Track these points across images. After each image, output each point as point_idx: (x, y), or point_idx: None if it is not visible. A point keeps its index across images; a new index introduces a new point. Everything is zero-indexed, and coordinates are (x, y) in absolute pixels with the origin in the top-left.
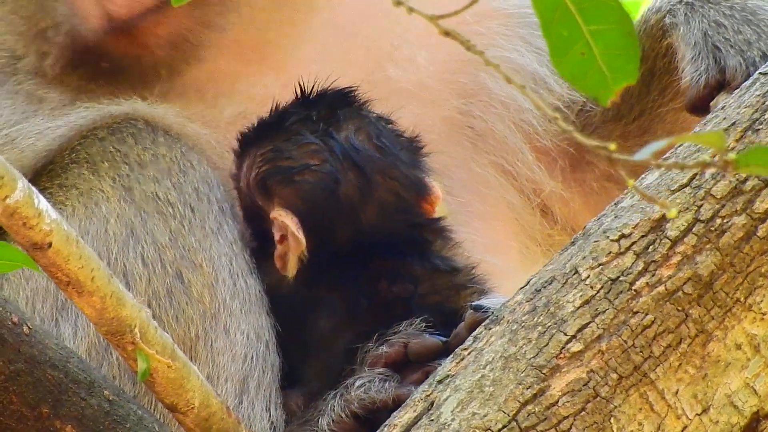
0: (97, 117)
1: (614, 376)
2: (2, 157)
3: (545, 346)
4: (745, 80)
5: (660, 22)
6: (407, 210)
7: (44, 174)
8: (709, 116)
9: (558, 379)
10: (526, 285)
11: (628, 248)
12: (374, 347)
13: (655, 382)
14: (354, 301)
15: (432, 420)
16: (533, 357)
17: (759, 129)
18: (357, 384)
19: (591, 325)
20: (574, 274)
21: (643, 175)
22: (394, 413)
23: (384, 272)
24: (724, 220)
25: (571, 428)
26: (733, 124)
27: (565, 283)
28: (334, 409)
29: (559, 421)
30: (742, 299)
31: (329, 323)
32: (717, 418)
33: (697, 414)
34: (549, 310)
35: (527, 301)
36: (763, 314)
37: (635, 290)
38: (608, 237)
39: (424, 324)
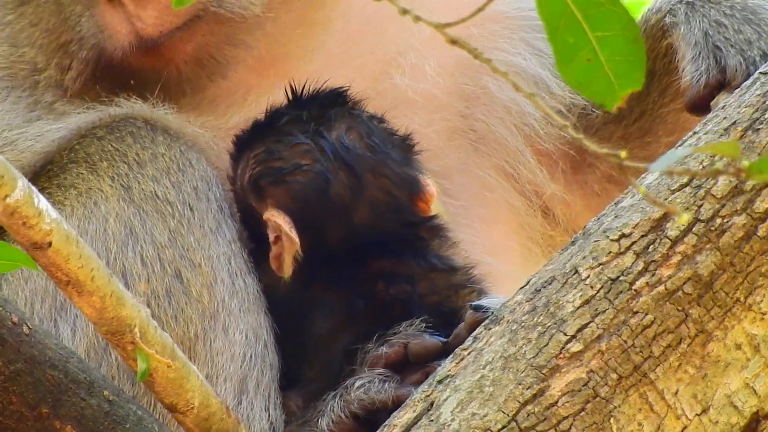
0: (96, 119)
1: (614, 376)
2: (2, 157)
3: (545, 346)
4: (746, 80)
5: (660, 22)
6: (400, 208)
7: (43, 174)
8: (710, 116)
9: (558, 379)
10: (526, 285)
11: (628, 248)
12: (374, 348)
13: (654, 382)
14: (352, 302)
15: (432, 420)
16: (533, 357)
17: (759, 128)
18: (357, 384)
19: (591, 325)
20: (574, 273)
21: (643, 175)
22: (394, 413)
23: (381, 272)
24: (725, 220)
25: (570, 428)
26: (734, 123)
27: (565, 283)
28: (333, 410)
29: (558, 421)
30: (742, 299)
31: (327, 324)
32: (717, 418)
33: (696, 414)
34: (549, 310)
35: (527, 301)
36: (763, 314)
37: (635, 290)
38: (608, 237)
39: (423, 324)
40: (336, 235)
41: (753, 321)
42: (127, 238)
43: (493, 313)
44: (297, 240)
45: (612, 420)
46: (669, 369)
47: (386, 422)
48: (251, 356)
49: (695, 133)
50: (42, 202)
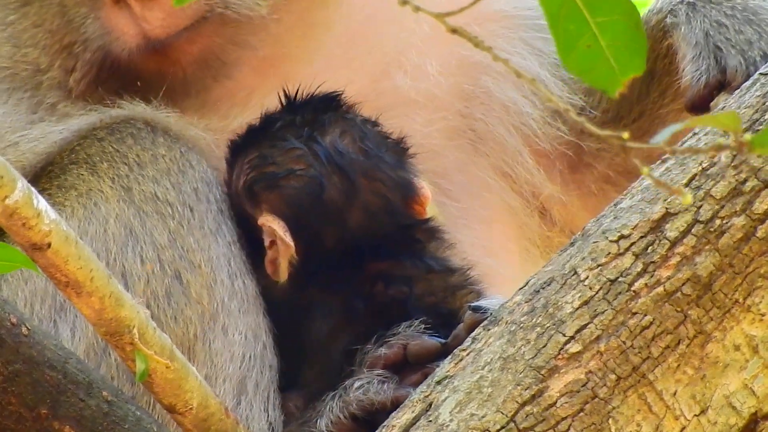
0: (98, 120)
1: (613, 377)
2: (2, 158)
3: (544, 347)
4: (746, 80)
5: (661, 22)
6: (394, 211)
7: (44, 175)
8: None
9: (556, 380)
10: (525, 286)
11: (627, 249)
12: (373, 349)
13: (653, 383)
14: (350, 304)
15: (430, 421)
16: (532, 358)
17: (759, 129)
18: (356, 385)
19: (590, 326)
20: (573, 274)
21: (642, 176)
22: (393, 414)
23: (379, 274)
24: (724, 221)
25: (569, 429)
26: None
27: (563, 284)
28: (332, 411)
29: (557, 422)
30: (741, 300)
31: (326, 326)
32: (715, 419)
33: (695, 415)
34: (548, 311)
35: (526, 302)
36: (762, 315)
37: (634, 291)
38: (607, 238)
39: (422, 325)
40: (331, 239)
41: (752, 322)
42: (127, 239)
43: (491, 314)
44: (292, 244)
45: (611, 421)
46: (668, 370)
47: (385, 423)
48: (250, 357)
49: (695, 133)
50: (41, 203)
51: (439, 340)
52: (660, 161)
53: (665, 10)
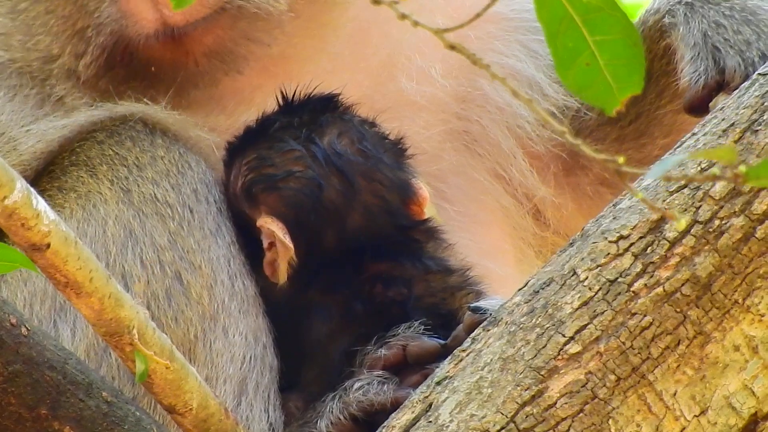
0: (100, 118)
1: (612, 377)
2: (0, 159)
3: (543, 347)
4: (744, 81)
5: (658, 23)
6: (392, 212)
7: (45, 175)
8: (708, 117)
9: (556, 380)
10: (525, 286)
11: (626, 249)
12: (373, 350)
13: (653, 383)
14: (349, 305)
15: (430, 422)
16: (531, 358)
17: (758, 130)
18: (355, 386)
19: (589, 326)
20: (573, 275)
21: (641, 177)
22: (393, 415)
23: (378, 276)
24: (723, 222)
25: (569, 430)
26: (732, 125)
27: (563, 285)
28: (332, 411)
29: (557, 422)
30: (740, 301)
31: (325, 328)
32: (715, 419)
33: (695, 415)
34: (547, 311)
35: (525, 303)
36: (762, 316)
37: (633, 292)
38: (606, 238)
39: (422, 326)
40: (330, 240)
41: (751, 322)
42: (127, 240)
43: (491, 314)
44: (291, 246)
45: (610, 421)
46: (667, 370)
47: (385, 423)
48: (251, 358)
49: (694, 134)
50: (40, 204)
51: (439, 341)
52: (659, 162)
53: (663, 10)
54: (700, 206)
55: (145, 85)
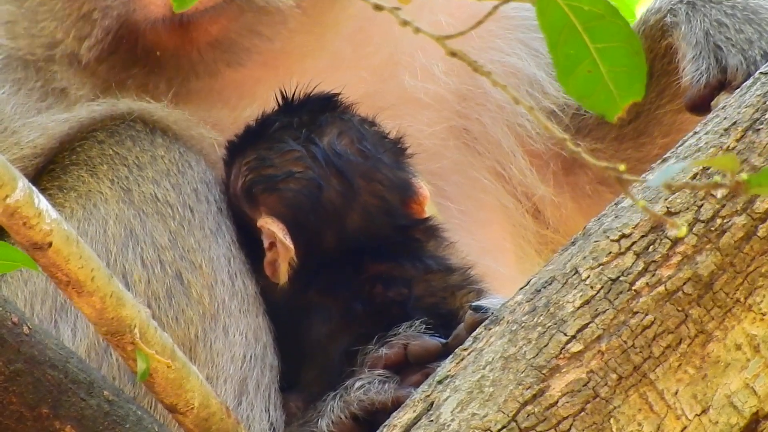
0: (98, 116)
1: (614, 376)
2: (2, 157)
3: (545, 346)
4: (746, 79)
5: (660, 22)
6: (392, 212)
7: (45, 174)
8: (710, 116)
9: (558, 379)
10: (526, 285)
11: (628, 248)
12: (374, 349)
13: (654, 382)
14: (349, 306)
15: (431, 420)
16: (533, 357)
17: (759, 129)
18: (356, 385)
19: (591, 325)
20: (574, 274)
21: (643, 175)
22: (394, 414)
23: (378, 276)
24: (725, 220)
25: (570, 429)
26: (734, 123)
27: (565, 284)
28: (333, 411)
29: (558, 421)
30: (742, 299)
31: (325, 328)
32: (716, 418)
33: (696, 414)
34: (549, 310)
35: (527, 302)
36: (763, 314)
37: (635, 290)
38: (608, 237)
39: (423, 325)
40: (330, 241)
41: (753, 321)
42: (128, 240)
43: (493, 313)
44: (291, 247)
45: (612, 420)
46: (669, 369)
47: (386, 422)
48: (251, 357)
49: (695, 133)
50: (42, 203)
51: (440, 340)
52: (660, 160)
53: (664, 9)
54: (702, 205)
55: (146, 72)
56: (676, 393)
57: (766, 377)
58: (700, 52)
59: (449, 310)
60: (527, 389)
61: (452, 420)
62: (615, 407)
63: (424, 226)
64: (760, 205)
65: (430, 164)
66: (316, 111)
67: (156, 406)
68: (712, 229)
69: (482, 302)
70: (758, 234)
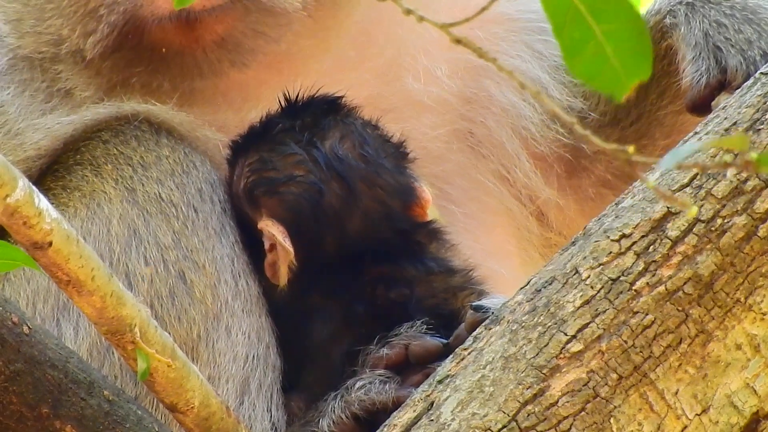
0: (103, 118)
1: (614, 376)
2: (2, 157)
3: (545, 346)
4: (746, 80)
5: (659, 23)
6: (394, 216)
7: (49, 174)
8: (710, 116)
9: (558, 379)
10: (527, 285)
11: (628, 248)
12: (375, 349)
13: (655, 382)
14: (351, 308)
15: (432, 420)
16: (533, 357)
17: (760, 129)
18: (357, 385)
19: (591, 325)
20: (575, 274)
21: (644, 175)
22: (394, 413)
23: (379, 278)
24: (725, 220)
25: (570, 428)
26: (735, 124)
27: (565, 283)
28: (334, 411)
29: (558, 421)
30: (742, 299)
31: (326, 330)
32: (717, 418)
33: (696, 414)
34: (549, 310)
35: (527, 301)
36: (764, 314)
37: (635, 290)
38: (609, 237)
39: (425, 326)
40: (331, 245)
41: (753, 321)
42: (131, 240)
43: (493, 313)
44: (291, 250)
45: (612, 420)
46: (669, 369)
47: (386, 422)
48: (254, 357)
49: (696, 133)
50: (42, 202)
51: (441, 340)
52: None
53: (664, 10)
54: (703, 205)
55: (150, 70)
56: (677, 393)
57: (767, 377)
58: (700, 53)
59: (451, 311)
60: (527, 389)
61: (452, 420)
62: (615, 407)
63: (426, 229)
64: (761, 205)
65: (434, 167)
66: (318, 114)
67: (157, 406)
68: (713, 229)
69: (483, 302)
70: (758, 234)
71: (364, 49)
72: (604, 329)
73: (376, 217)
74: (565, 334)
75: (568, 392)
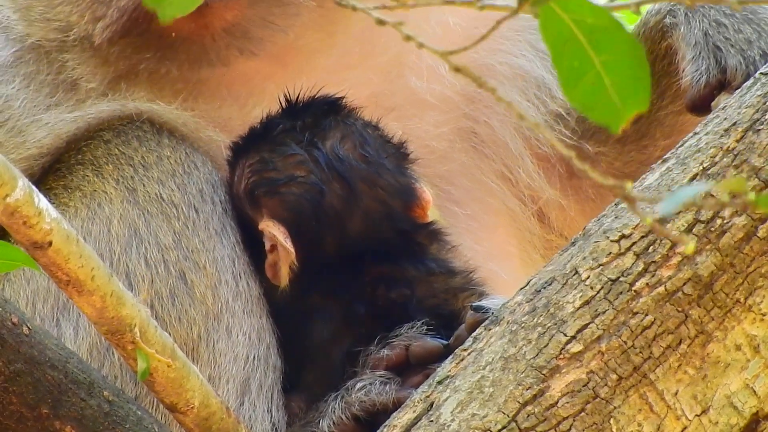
0: (106, 116)
1: (614, 376)
2: (2, 156)
3: (545, 346)
4: (746, 80)
5: (659, 23)
6: (394, 217)
7: (51, 173)
8: (710, 116)
9: (558, 379)
10: (526, 285)
11: (628, 249)
12: (376, 350)
13: (654, 382)
14: (351, 308)
15: (432, 421)
16: (533, 358)
17: (760, 129)
18: (358, 386)
19: (591, 325)
20: (574, 274)
21: (643, 176)
22: (394, 414)
23: (380, 278)
24: (725, 221)
25: (570, 429)
26: (734, 124)
27: (565, 284)
28: (334, 411)
29: (558, 422)
30: (742, 300)
31: (327, 330)
32: (716, 418)
33: (696, 415)
34: (549, 310)
35: (527, 302)
36: (763, 315)
37: (635, 291)
38: (608, 237)
39: (425, 326)
40: (331, 245)
41: (753, 322)
42: (131, 240)
43: (493, 313)
44: (292, 251)
45: (612, 420)
46: (669, 370)
47: (386, 422)
48: (254, 358)
49: (696, 133)
50: (42, 202)
51: (442, 341)
52: (661, 161)
53: (664, 10)
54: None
55: (158, 57)
56: (676, 393)
57: (766, 377)
58: (700, 53)
59: (451, 312)
60: (527, 389)
61: (452, 420)
62: (615, 407)
63: (427, 230)
64: None
65: (437, 167)
66: (319, 114)
67: (157, 406)
68: (712, 229)
69: (483, 302)
70: (758, 234)
71: (369, 45)
72: (604, 330)
73: (376, 218)
74: (565, 335)
75: (567, 393)
